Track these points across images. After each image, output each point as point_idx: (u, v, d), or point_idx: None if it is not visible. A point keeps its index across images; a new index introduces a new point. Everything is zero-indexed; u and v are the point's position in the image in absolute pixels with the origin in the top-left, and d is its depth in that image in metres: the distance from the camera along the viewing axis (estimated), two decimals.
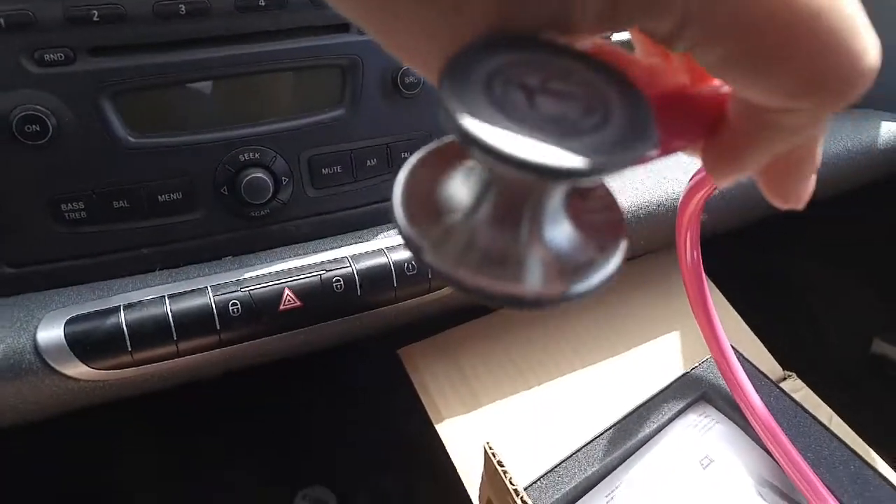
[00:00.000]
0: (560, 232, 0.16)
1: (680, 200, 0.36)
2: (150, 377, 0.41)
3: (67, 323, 0.37)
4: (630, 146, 0.13)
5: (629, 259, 0.57)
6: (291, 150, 0.42)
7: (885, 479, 0.47)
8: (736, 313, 0.61)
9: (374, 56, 0.43)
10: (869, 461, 0.48)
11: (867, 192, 0.72)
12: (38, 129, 0.34)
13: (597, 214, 0.17)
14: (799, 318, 0.91)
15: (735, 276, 0.65)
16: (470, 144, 0.13)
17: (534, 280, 0.15)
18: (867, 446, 0.54)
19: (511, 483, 0.32)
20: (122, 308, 0.38)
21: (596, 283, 0.15)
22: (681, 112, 0.17)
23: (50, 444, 0.69)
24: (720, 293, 0.62)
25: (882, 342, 0.85)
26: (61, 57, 0.34)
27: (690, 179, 0.36)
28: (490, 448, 0.33)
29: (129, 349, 0.37)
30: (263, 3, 0.38)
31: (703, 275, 0.38)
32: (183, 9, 0.36)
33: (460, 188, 0.16)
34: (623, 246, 0.16)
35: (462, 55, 0.14)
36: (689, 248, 0.35)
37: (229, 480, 0.72)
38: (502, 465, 0.32)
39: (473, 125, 0.13)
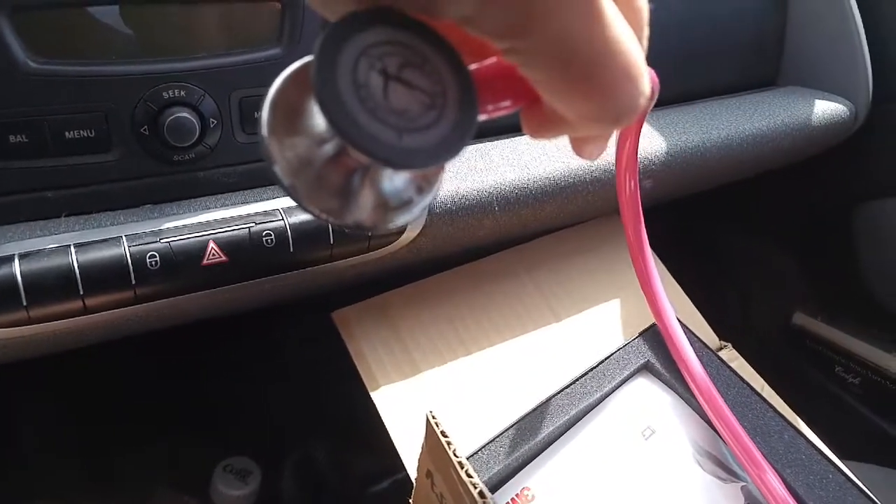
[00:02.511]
0: (383, 181, 0.18)
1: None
2: (52, 337, 0.37)
3: None
4: (443, 153, 0.16)
5: (576, 223, 0.54)
6: (221, 89, 0.38)
7: (816, 448, 0.47)
8: (676, 283, 0.61)
9: None
10: (800, 430, 0.49)
11: (796, 167, 0.74)
12: None
13: None
14: (729, 289, 0.93)
15: (671, 245, 0.65)
16: (330, 124, 0.15)
17: (356, 211, 0.18)
18: (797, 416, 0.55)
19: (455, 455, 0.30)
20: (16, 257, 0.33)
21: (406, 221, 0.20)
22: (511, 82, 0.19)
23: None
24: (663, 265, 0.62)
25: (802, 314, 0.88)
26: None
27: None
28: (433, 418, 0.31)
29: (25, 304, 0.33)
30: None
31: (641, 211, 0.37)
32: None
33: (320, 117, 0.17)
34: (435, 191, 0.20)
35: (344, 22, 0.16)
36: (627, 178, 0.34)
37: (144, 450, 0.68)
38: (446, 436, 0.30)
39: (335, 110, 0.15)
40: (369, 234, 0.21)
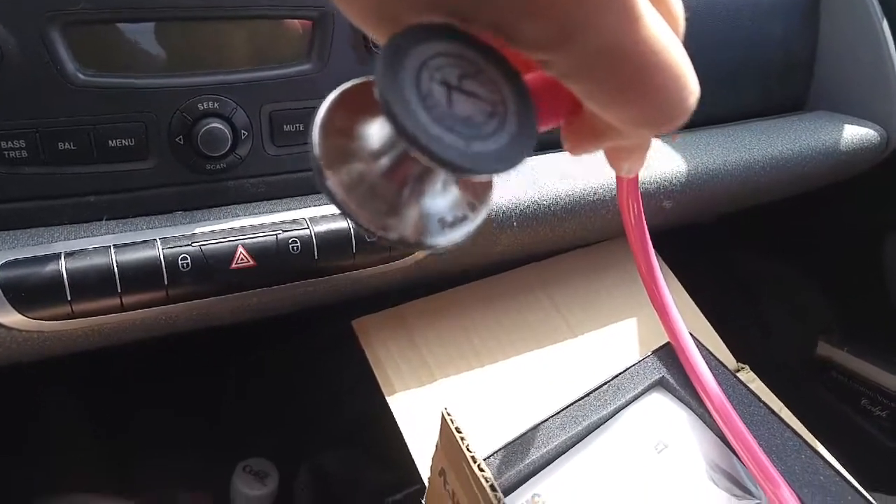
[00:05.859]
0: (438, 196, 0.19)
1: None
2: (90, 332, 0.39)
3: (2, 267, 0.35)
4: (511, 158, 0.17)
5: (590, 244, 0.56)
6: (253, 102, 0.41)
7: (834, 469, 0.47)
8: (693, 304, 0.62)
9: None
10: (818, 451, 0.48)
11: (824, 193, 0.74)
12: None
13: (474, 183, 0.21)
14: (750, 315, 0.93)
15: (693, 268, 0.65)
16: (399, 132, 0.15)
17: (403, 227, 0.18)
18: (815, 439, 0.55)
19: (468, 450, 0.31)
20: (62, 255, 0.36)
21: (455, 240, 0.19)
22: (553, 95, 0.20)
23: None
24: (679, 283, 0.62)
25: (826, 344, 0.87)
26: None
27: None
28: (448, 414, 0.32)
29: (69, 299, 0.35)
30: None
31: (646, 231, 0.37)
32: None
33: (374, 132, 0.18)
34: (486, 211, 0.20)
35: (403, 35, 0.16)
36: (631, 204, 0.35)
37: (167, 450, 0.70)
38: (460, 432, 0.31)
39: (405, 117, 0.15)
40: (415, 250, 0.22)
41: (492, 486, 0.31)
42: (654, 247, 0.41)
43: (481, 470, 0.31)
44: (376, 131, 0.18)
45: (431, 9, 0.16)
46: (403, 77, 0.16)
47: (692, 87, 0.18)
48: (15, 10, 0.33)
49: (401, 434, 0.48)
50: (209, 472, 0.66)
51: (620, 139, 0.21)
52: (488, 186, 0.21)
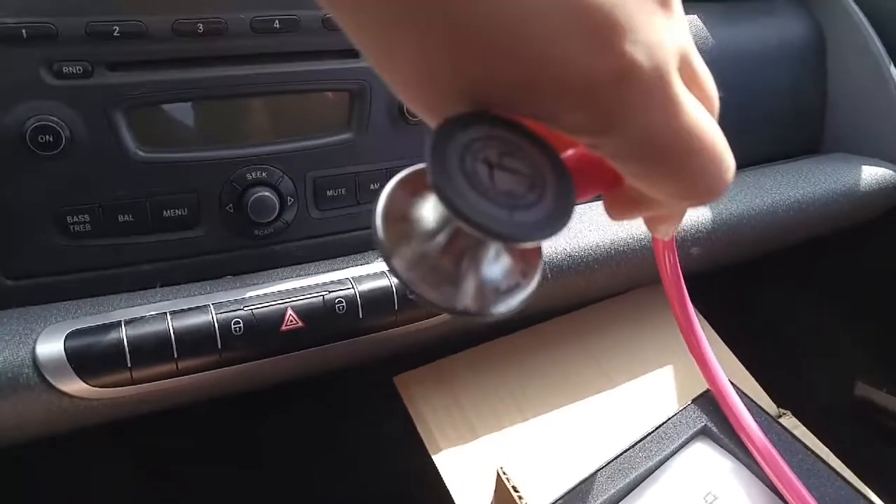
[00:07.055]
0: (492, 266, 0.21)
1: None
2: (146, 398, 0.40)
3: (67, 337, 0.36)
4: (552, 225, 0.18)
5: (621, 293, 0.57)
6: (298, 170, 0.43)
7: None
8: (730, 351, 0.61)
9: (382, 83, 0.43)
10: (873, 501, 0.47)
11: (850, 232, 0.74)
12: (51, 139, 0.34)
13: (523, 251, 0.22)
14: (785, 357, 0.92)
15: (723, 311, 0.65)
16: (448, 208, 0.17)
17: (464, 298, 0.20)
18: (867, 487, 0.54)
19: None
20: (122, 323, 0.37)
21: (513, 307, 0.21)
22: (596, 170, 0.22)
23: (17, 470, 0.66)
24: (712, 330, 0.62)
25: (865, 385, 0.85)
26: (79, 70, 0.35)
27: None
28: (504, 473, 0.33)
29: (129, 366, 0.37)
30: (278, 26, 0.39)
31: (682, 280, 0.38)
32: (201, 27, 0.37)
33: (429, 213, 0.20)
34: (538, 277, 0.22)
35: (446, 125, 0.18)
36: (666, 255, 0.36)
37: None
38: (517, 491, 0.32)
39: (452, 195, 0.17)
40: (479, 320, 0.24)
41: None
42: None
43: None
44: (430, 212, 0.20)
45: (475, 103, 0.18)
46: (450, 161, 0.18)
47: (729, 164, 0.20)
48: (83, 95, 0.35)
49: (443, 492, 0.48)
50: None
51: (660, 210, 0.22)
52: (537, 255, 0.22)
